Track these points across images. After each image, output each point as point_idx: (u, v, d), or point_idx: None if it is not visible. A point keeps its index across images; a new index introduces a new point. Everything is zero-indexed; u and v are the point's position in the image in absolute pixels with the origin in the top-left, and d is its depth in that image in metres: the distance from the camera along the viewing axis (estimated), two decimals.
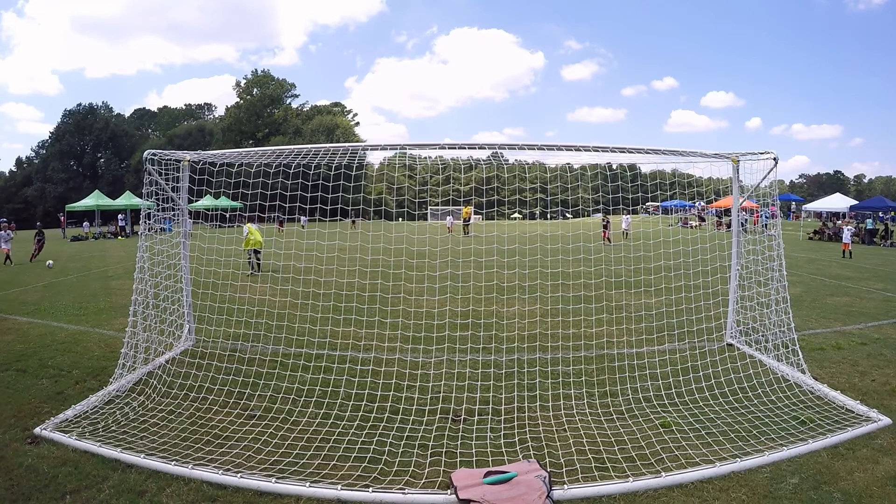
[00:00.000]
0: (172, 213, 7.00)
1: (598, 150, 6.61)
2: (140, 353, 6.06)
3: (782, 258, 6.44)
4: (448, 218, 29.30)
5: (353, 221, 15.42)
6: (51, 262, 11.13)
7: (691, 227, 28.44)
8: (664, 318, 7.80)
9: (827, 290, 11.93)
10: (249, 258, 14.05)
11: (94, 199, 39.30)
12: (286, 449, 4.38)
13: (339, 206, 7.58)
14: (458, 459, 4.24)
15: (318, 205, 7.53)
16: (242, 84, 76.78)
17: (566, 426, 4.82)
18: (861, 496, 3.68)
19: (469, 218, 27.01)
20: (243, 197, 7.53)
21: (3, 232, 19.64)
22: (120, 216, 38.99)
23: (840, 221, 34.06)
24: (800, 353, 6.01)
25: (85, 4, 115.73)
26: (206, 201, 26.91)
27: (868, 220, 29.70)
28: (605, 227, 19.78)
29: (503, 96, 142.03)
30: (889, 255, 20.93)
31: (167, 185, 6.65)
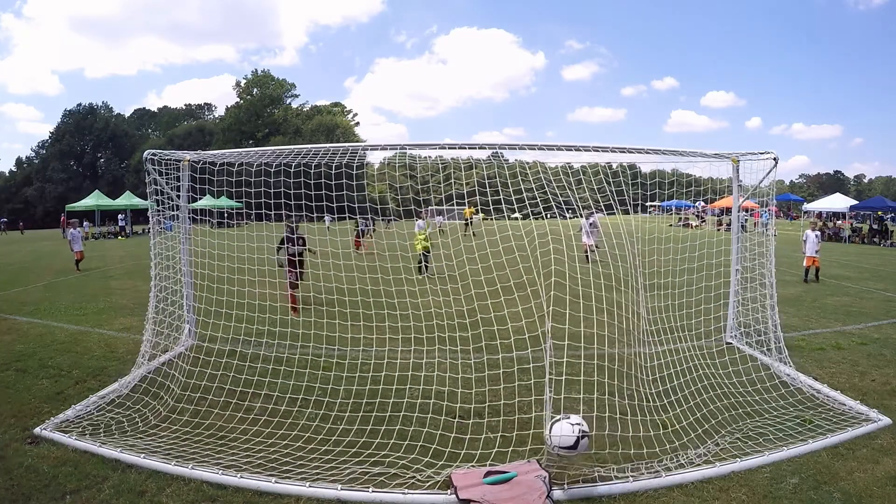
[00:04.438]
0: (173, 212, 7.01)
1: (598, 150, 6.61)
2: (145, 352, 6.06)
3: (772, 256, 6.45)
4: (438, 218, 28.94)
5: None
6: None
7: (692, 227, 28.43)
8: (664, 318, 7.78)
9: (827, 290, 11.92)
10: (420, 261, 12.71)
11: (94, 199, 39.32)
12: (286, 449, 4.38)
13: (346, 204, 7.56)
14: (459, 460, 4.24)
15: (322, 203, 7.50)
16: (242, 84, 76.73)
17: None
18: (861, 496, 3.68)
19: (472, 218, 26.97)
20: (245, 196, 7.53)
21: (74, 230, 16.36)
22: (120, 216, 39.03)
23: (840, 221, 34.04)
24: (790, 351, 6.01)
25: (84, 4, 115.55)
26: (207, 201, 26.84)
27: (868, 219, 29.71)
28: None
29: (503, 96, 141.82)
30: (889, 255, 20.93)
31: (167, 184, 6.65)
